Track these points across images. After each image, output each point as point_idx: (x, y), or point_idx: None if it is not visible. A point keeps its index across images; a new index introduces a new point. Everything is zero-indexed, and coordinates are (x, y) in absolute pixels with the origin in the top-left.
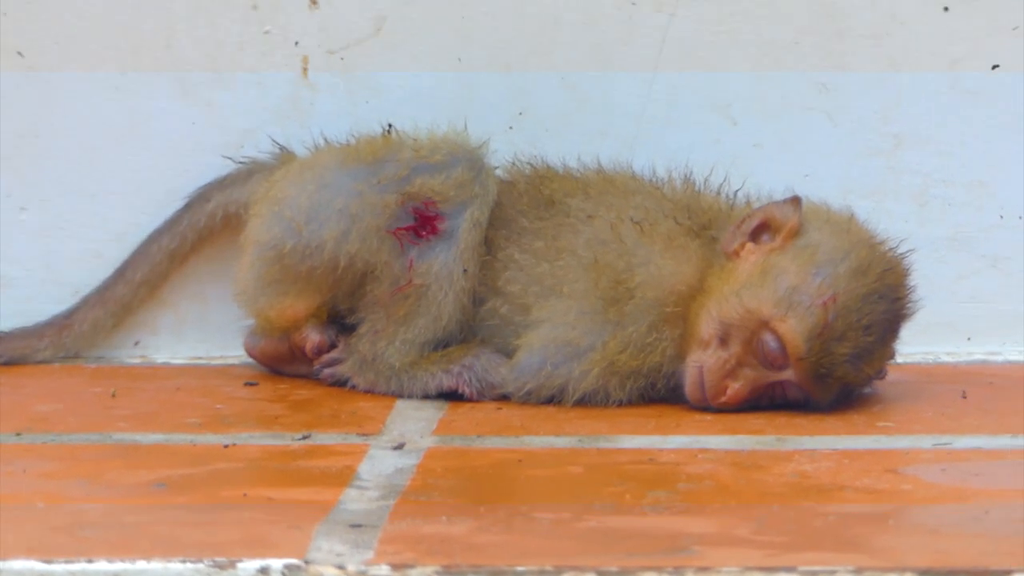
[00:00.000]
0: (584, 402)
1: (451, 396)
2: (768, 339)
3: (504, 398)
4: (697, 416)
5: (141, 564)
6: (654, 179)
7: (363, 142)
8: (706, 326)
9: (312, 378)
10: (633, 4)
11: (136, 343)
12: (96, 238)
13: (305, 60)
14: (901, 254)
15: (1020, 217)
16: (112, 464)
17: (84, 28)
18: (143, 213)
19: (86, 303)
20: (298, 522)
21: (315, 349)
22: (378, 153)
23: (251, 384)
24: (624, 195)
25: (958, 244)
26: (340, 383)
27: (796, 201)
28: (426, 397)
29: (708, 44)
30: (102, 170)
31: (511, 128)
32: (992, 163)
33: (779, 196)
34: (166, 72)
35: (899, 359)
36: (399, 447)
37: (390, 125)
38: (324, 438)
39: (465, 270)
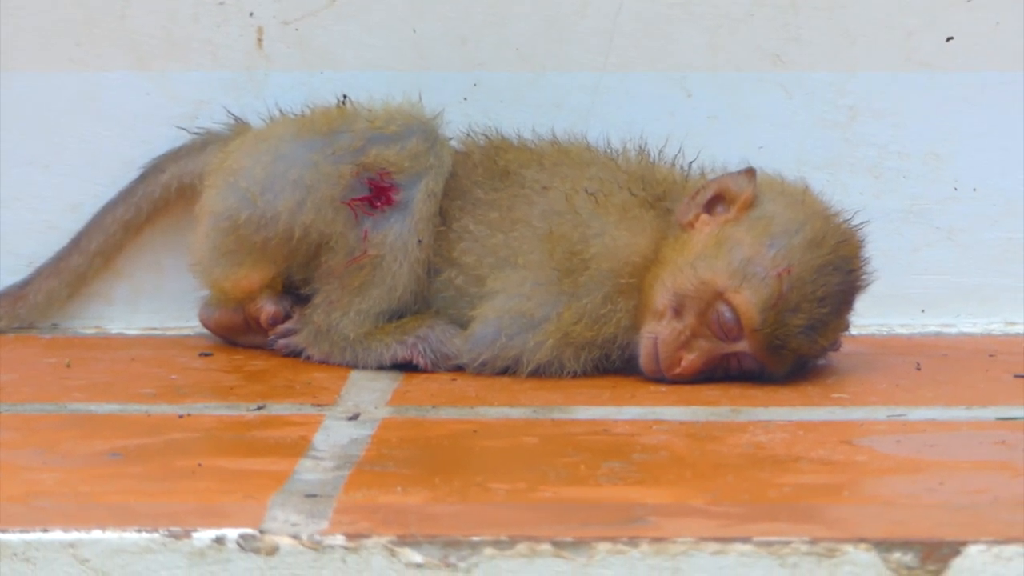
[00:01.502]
0: (539, 373)
1: (406, 367)
2: (723, 310)
3: (459, 369)
4: (652, 387)
5: (96, 533)
6: (609, 151)
7: (318, 113)
8: (660, 297)
9: (267, 349)
10: None
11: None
12: (50, 209)
13: (260, 31)
14: (856, 226)
15: (975, 189)
16: (67, 434)
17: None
18: (98, 184)
19: (40, 274)
20: (253, 492)
21: (270, 320)
22: (333, 124)
23: (206, 355)
24: (579, 166)
25: (913, 216)
26: (295, 354)
27: (751, 172)
28: (380, 368)
29: (662, 16)
30: (56, 141)
31: (466, 99)
32: (947, 135)
33: (734, 168)
34: (120, 43)
35: (853, 331)
36: (354, 418)
37: (344, 96)
38: (279, 408)
39: (420, 241)
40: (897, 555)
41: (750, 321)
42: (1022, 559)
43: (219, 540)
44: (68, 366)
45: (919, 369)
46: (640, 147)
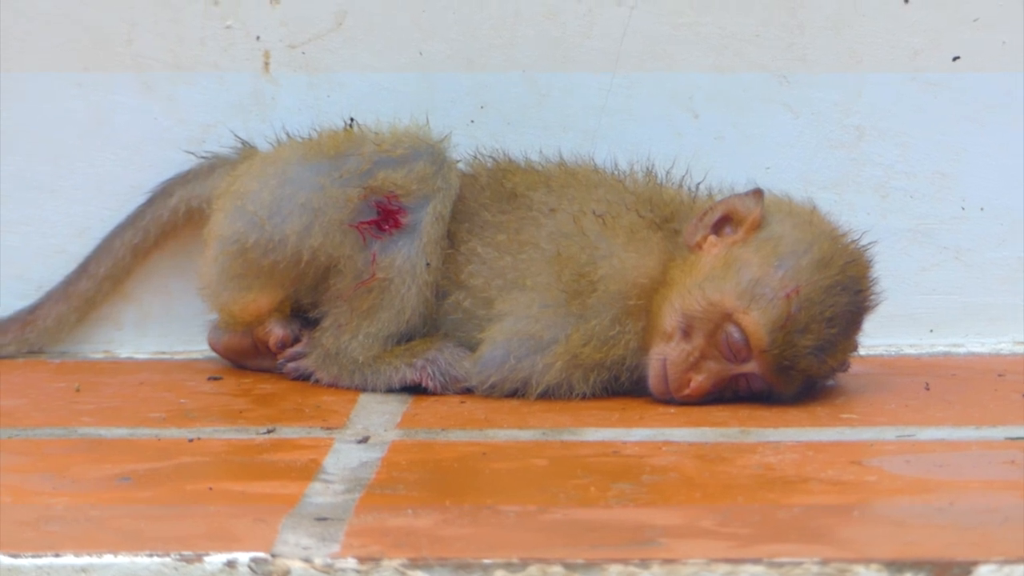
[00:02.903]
0: (548, 395)
1: (415, 390)
2: (731, 331)
3: (468, 391)
4: (661, 409)
5: (108, 558)
6: (616, 172)
7: (325, 136)
8: (669, 319)
9: (276, 372)
10: None
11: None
12: (59, 234)
13: (266, 55)
14: (863, 246)
15: (982, 208)
16: (77, 458)
17: (46, 24)
18: (106, 208)
19: (50, 298)
20: (264, 516)
21: (279, 343)
22: (340, 147)
23: (215, 378)
24: (586, 188)
25: (920, 236)
26: (304, 377)
27: (758, 193)
28: (390, 391)
29: (668, 37)
30: (64, 166)
31: (473, 122)
32: (953, 155)
33: (741, 189)
34: (128, 67)
35: (862, 351)
36: (363, 441)
37: (352, 119)
38: (288, 432)
39: (428, 264)
40: (908, 575)
41: (759, 342)
42: None
43: (230, 564)
44: (77, 390)
45: (928, 389)
46: (647, 168)
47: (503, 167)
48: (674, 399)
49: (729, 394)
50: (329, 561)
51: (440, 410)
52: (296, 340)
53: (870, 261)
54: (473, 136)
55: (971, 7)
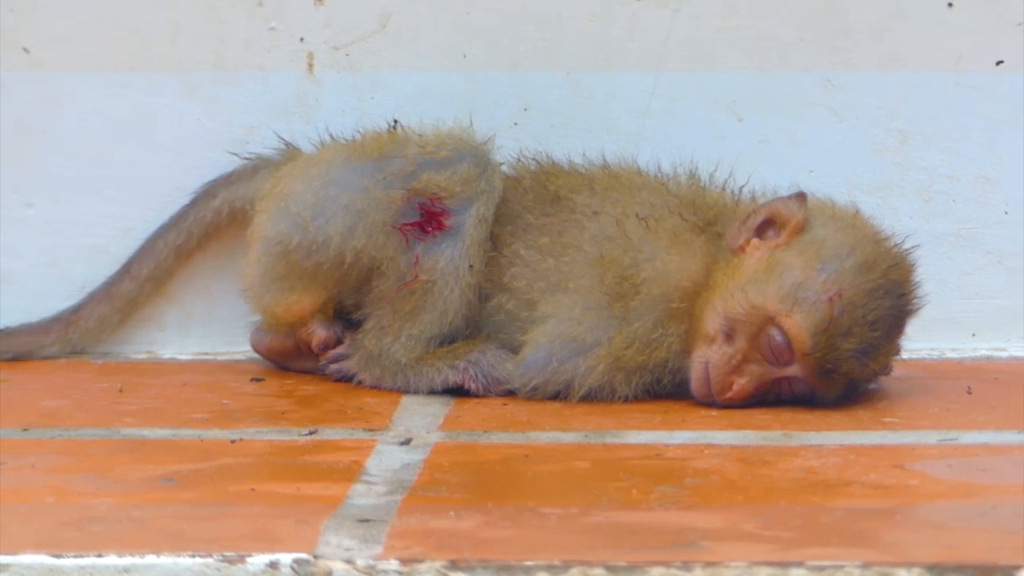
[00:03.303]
0: (590, 398)
1: (457, 392)
2: (774, 334)
3: (510, 394)
4: (703, 411)
5: (151, 559)
6: (659, 175)
7: (368, 138)
8: (711, 322)
9: (318, 374)
10: (637, 1)
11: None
12: (102, 234)
13: (310, 56)
14: (906, 250)
15: None
16: (120, 459)
17: (90, 25)
18: (149, 209)
19: (92, 299)
20: (306, 517)
21: (321, 345)
22: (384, 149)
23: (257, 380)
24: (629, 191)
25: (963, 240)
26: (346, 379)
27: (801, 197)
28: (432, 392)
29: (712, 41)
30: (108, 166)
31: (516, 124)
32: (997, 159)
33: (784, 192)
34: (172, 69)
35: (904, 355)
36: (406, 442)
37: (395, 121)
38: (331, 433)
39: (471, 266)
40: None
41: (801, 345)
42: None
43: (273, 565)
44: (120, 391)
45: (970, 393)
46: (691, 171)
47: (546, 170)
48: (716, 402)
49: (771, 397)
50: (371, 562)
51: (482, 412)
52: (339, 342)
53: (913, 265)
54: (517, 138)
55: (1015, 11)
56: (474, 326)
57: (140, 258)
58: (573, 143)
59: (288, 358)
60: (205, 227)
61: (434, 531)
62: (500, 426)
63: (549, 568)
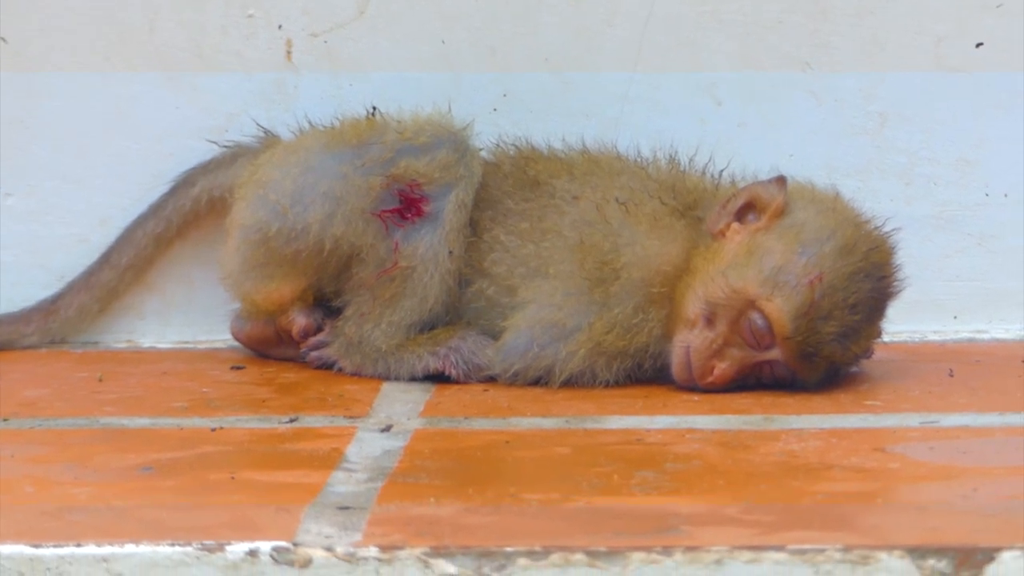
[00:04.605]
0: (571, 383)
1: (438, 378)
2: (755, 318)
3: (491, 380)
4: (684, 396)
5: (130, 548)
6: (639, 160)
7: (347, 125)
8: (692, 306)
9: (298, 361)
10: None
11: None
12: (81, 223)
13: (289, 43)
14: (887, 233)
15: (1006, 195)
16: (99, 448)
17: (68, 13)
18: (128, 198)
19: (72, 288)
20: (286, 505)
21: (301, 332)
22: (363, 136)
23: (238, 368)
24: (609, 176)
25: (944, 222)
26: (327, 366)
27: (781, 181)
28: (413, 379)
29: (691, 24)
30: (87, 155)
31: (495, 110)
32: (977, 141)
33: (764, 176)
34: (150, 57)
35: (885, 338)
36: (386, 429)
37: (374, 108)
38: (311, 421)
39: (451, 252)
40: (931, 562)
41: (782, 329)
42: None
43: (252, 553)
44: (100, 380)
45: (952, 376)
46: (670, 156)
47: (526, 155)
48: (697, 386)
49: (752, 381)
50: (351, 550)
51: (463, 398)
52: (319, 329)
53: (893, 248)
54: (496, 124)
55: None
56: (454, 312)
57: (119, 247)
58: (552, 128)
59: (268, 346)
60: (184, 215)
61: (414, 518)
62: (481, 412)
63: (530, 554)
